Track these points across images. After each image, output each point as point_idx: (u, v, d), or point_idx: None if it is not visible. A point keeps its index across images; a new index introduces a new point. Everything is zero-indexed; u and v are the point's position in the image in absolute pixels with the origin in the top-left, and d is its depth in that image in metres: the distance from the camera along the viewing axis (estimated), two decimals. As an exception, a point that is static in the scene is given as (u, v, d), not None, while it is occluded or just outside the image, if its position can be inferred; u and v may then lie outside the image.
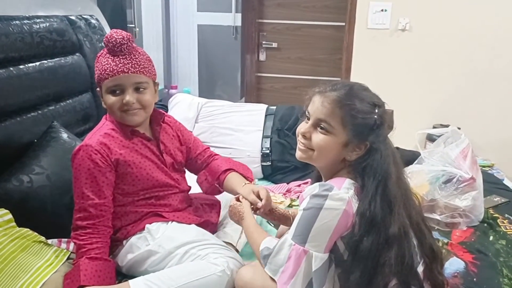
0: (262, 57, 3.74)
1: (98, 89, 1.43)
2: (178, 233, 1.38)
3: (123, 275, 1.40)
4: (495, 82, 2.82)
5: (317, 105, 1.11)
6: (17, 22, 1.74)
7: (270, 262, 1.13)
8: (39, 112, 1.78)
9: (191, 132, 1.74)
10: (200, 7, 3.74)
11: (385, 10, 2.90)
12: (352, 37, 3.04)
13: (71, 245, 1.42)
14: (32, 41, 1.78)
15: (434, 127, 2.80)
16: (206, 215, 1.56)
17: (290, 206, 1.89)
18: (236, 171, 1.56)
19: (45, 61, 1.85)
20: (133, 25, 3.10)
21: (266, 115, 2.44)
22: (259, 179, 2.28)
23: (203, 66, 3.90)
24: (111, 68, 1.35)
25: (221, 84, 3.91)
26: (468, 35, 2.79)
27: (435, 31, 2.85)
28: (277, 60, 3.72)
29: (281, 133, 2.35)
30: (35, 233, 1.41)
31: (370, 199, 1.04)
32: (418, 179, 1.74)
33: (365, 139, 1.08)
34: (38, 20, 1.85)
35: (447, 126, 2.59)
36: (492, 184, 2.09)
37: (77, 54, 2.08)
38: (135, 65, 1.37)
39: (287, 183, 2.17)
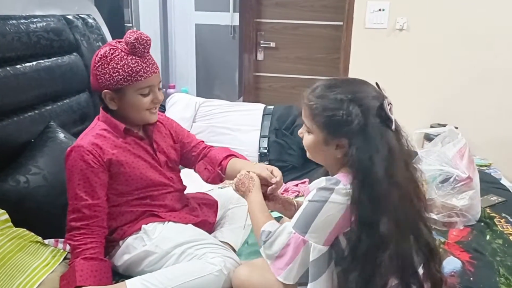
0: (260, 56, 3.73)
1: (107, 90, 1.35)
2: (175, 233, 1.38)
3: (120, 275, 1.39)
4: (493, 82, 2.82)
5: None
6: (14, 21, 1.73)
7: (266, 246, 1.15)
8: (36, 112, 1.78)
9: (186, 129, 1.73)
10: (197, 7, 3.74)
11: (383, 10, 2.89)
12: (350, 36, 3.04)
13: (68, 245, 1.41)
14: (29, 40, 1.78)
15: (431, 127, 2.81)
16: (203, 214, 1.56)
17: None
18: (238, 157, 1.57)
19: (42, 61, 1.85)
20: (131, 25, 3.10)
21: (263, 115, 2.44)
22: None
23: (201, 66, 3.89)
24: (144, 70, 1.35)
25: (219, 84, 3.90)
26: (466, 35, 2.80)
27: (432, 30, 2.85)
28: (275, 60, 3.72)
29: (279, 132, 2.36)
30: (32, 233, 1.40)
31: (356, 197, 1.04)
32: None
33: (341, 135, 1.08)
34: (35, 20, 1.85)
35: (444, 125, 2.59)
36: (489, 183, 2.09)
37: (74, 53, 2.08)
38: (156, 64, 1.41)
39: (285, 183, 2.16)
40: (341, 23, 3.27)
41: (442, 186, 1.71)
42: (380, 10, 2.90)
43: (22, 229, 1.39)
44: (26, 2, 1.95)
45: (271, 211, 1.33)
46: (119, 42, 1.38)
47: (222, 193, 1.74)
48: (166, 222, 1.42)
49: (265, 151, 2.30)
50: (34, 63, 1.80)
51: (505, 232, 1.68)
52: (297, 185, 2.11)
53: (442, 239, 1.62)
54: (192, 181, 1.69)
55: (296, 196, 1.97)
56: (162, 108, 2.50)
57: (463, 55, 2.83)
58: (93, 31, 2.24)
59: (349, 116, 1.06)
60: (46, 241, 1.42)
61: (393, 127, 1.08)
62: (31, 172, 1.54)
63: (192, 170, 1.64)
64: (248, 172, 1.34)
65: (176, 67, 3.95)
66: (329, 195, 1.06)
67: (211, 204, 1.63)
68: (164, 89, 3.59)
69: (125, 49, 1.35)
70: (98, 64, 1.35)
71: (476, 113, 2.88)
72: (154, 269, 1.31)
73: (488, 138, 2.83)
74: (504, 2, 2.72)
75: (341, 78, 1.18)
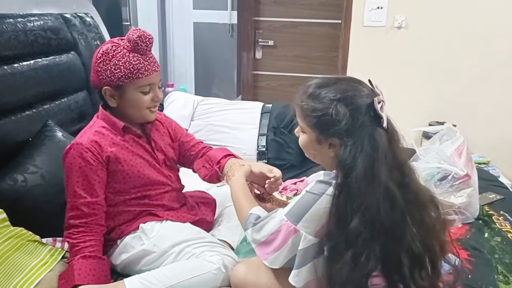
0: (258, 55, 3.73)
1: (107, 87, 1.36)
2: (173, 232, 1.38)
3: (118, 274, 1.39)
4: (491, 80, 2.82)
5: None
6: (11, 20, 1.73)
7: (255, 230, 1.15)
8: (34, 110, 1.77)
9: (185, 128, 1.73)
10: (196, 5, 3.73)
11: (381, 8, 2.89)
12: (348, 34, 3.04)
13: (66, 244, 1.41)
14: (27, 39, 1.77)
15: (429, 125, 2.80)
16: (201, 213, 1.55)
17: (286, 204, 1.89)
18: (236, 158, 1.57)
19: (40, 60, 1.84)
20: (129, 23, 3.09)
21: (262, 113, 2.44)
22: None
23: (199, 64, 3.89)
24: (145, 68, 1.35)
25: (217, 82, 3.90)
26: (464, 33, 2.80)
27: (431, 28, 2.85)
28: (274, 58, 3.72)
29: (277, 131, 2.35)
30: (30, 232, 1.40)
31: (335, 193, 1.05)
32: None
33: (332, 135, 1.08)
34: (32, 18, 1.84)
35: (442, 123, 2.60)
36: (487, 181, 2.09)
37: (72, 52, 2.07)
38: (157, 63, 1.41)
39: (283, 181, 2.16)
40: (339, 21, 3.27)
41: (440, 184, 1.71)
42: (378, 8, 2.90)
43: (19, 228, 1.39)
44: (24, 0, 1.95)
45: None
46: (122, 39, 1.38)
47: (219, 191, 1.74)
48: (164, 221, 1.42)
49: (264, 149, 2.30)
50: (32, 62, 1.79)
51: (503, 229, 1.68)
52: (295, 183, 2.11)
53: (440, 237, 1.62)
54: (191, 181, 1.69)
55: (295, 195, 1.97)
56: (161, 107, 2.49)
57: (461, 53, 2.83)
58: (91, 29, 2.23)
59: (337, 116, 1.06)
60: (44, 240, 1.42)
61: (385, 124, 1.07)
62: (28, 171, 1.54)
63: (191, 170, 1.64)
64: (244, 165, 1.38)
65: (174, 65, 3.94)
66: (326, 188, 1.08)
67: (209, 203, 1.63)
68: (163, 88, 3.59)
69: (127, 46, 1.35)
70: (100, 60, 1.35)
71: (475, 111, 2.88)
72: (152, 268, 1.31)
73: (487, 136, 2.83)
74: (503, 0, 2.72)
75: (335, 76, 1.17)
